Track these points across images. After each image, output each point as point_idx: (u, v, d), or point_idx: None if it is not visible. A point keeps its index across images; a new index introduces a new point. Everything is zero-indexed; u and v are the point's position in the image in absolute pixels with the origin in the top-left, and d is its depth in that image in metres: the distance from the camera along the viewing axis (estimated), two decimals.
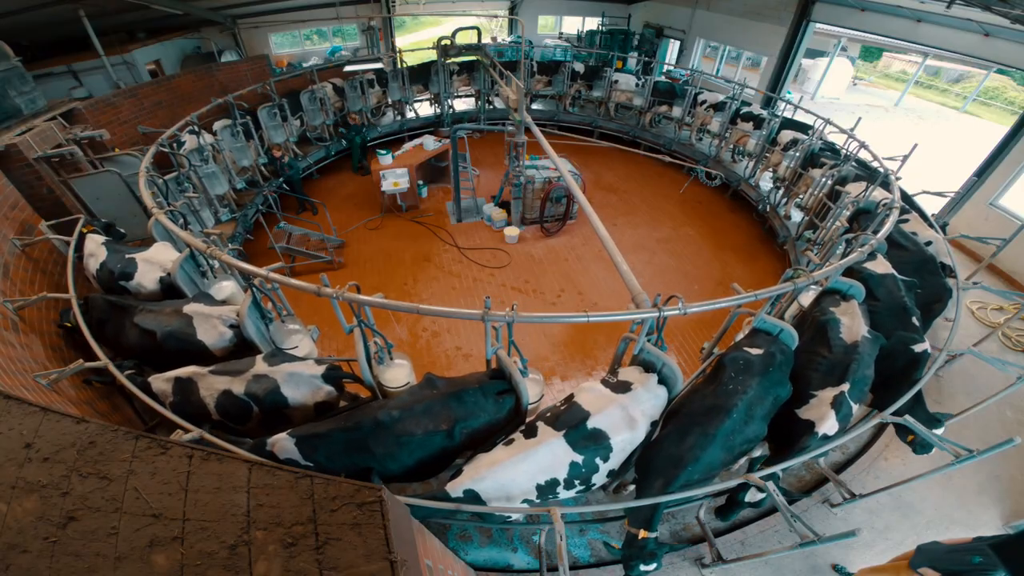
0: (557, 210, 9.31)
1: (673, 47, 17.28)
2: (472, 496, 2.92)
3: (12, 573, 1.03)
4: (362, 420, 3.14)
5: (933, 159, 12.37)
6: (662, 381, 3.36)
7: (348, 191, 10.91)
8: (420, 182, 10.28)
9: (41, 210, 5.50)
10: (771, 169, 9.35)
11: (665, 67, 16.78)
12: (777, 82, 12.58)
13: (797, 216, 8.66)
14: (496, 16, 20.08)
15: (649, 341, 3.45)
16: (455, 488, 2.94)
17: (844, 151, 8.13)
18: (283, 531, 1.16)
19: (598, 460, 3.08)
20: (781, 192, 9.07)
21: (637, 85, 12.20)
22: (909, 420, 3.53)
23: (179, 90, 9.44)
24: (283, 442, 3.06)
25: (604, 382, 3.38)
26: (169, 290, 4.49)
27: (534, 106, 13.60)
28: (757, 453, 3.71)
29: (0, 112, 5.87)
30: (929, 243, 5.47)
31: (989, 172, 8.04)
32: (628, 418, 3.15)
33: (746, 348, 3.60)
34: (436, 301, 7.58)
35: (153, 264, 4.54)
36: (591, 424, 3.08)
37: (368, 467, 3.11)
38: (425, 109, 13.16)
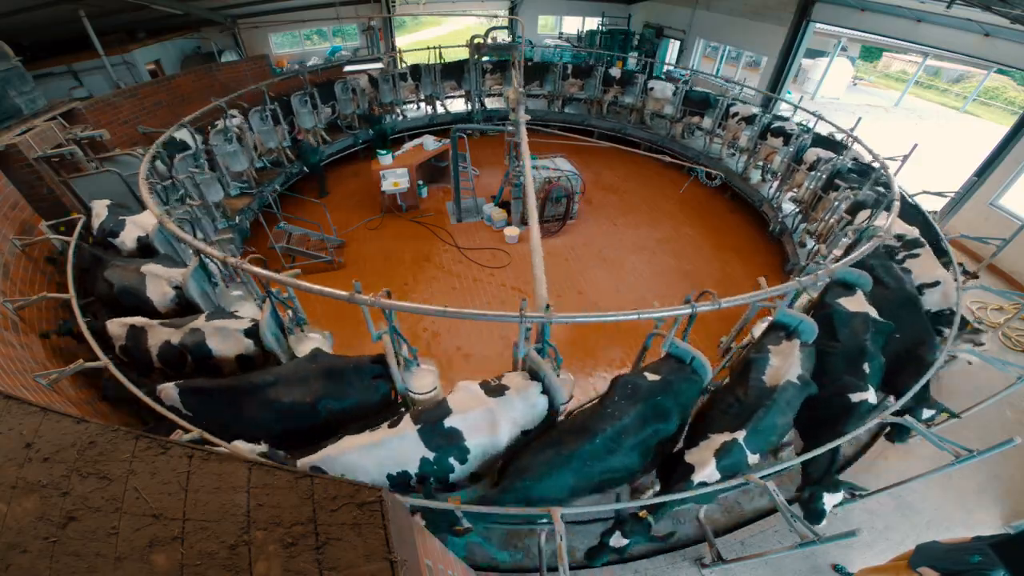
0: (557, 210, 9.32)
1: (673, 47, 17.28)
2: (318, 471, 2.91)
3: (12, 573, 1.03)
4: (242, 380, 3.27)
5: (933, 159, 12.37)
6: (546, 391, 3.22)
7: (348, 191, 10.91)
8: (420, 182, 10.28)
9: (41, 210, 5.51)
10: (794, 190, 8.50)
11: (665, 67, 16.78)
12: (777, 82, 12.59)
13: (812, 244, 7.79)
14: (496, 16, 20.06)
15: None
16: (305, 463, 2.95)
17: (873, 175, 6.76)
18: (283, 531, 1.16)
19: (452, 460, 3.03)
20: (800, 216, 8.22)
21: (674, 93, 11.49)
22: (909, 420, 3.54)
23: (179, 90, 9.44)
24: (169, 390, 3.29)
25: (483, 383, 3.30)
26: (146, 250, 5.00)
27: (566, 110, 13.39)
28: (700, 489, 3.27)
29: (0, 112, 5.87)
30: (937, 283, 4.79)
31: (989, 172, 8.05)
32: (491, 422, 3.06)
33: (646, 372, 3.44)
34: (436, 301, 7.58)
35: (138, 225, 5.04)
36: (448, 423, 3.02)
37: (239, 427, 3.13)
38: (447, 105, 13.19)
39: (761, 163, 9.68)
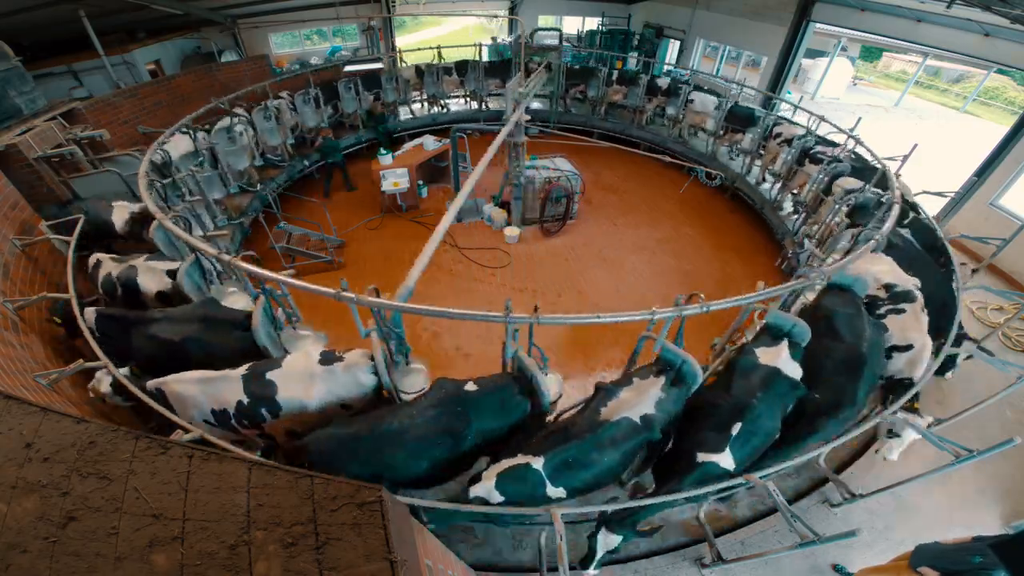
0: (557, 210, 9.32)
1: (673, 47, 17.29)
2: (160, 395, 3.35)
3: (12, 573, 1.03)
4: (139, 313, 3.98)
5: (933, 159, 12.37)
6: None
7: (348, 191, 10.91)
8: (420, 182, 10.28)
9: (41, 210, 5.51)
10: (817, 224, 7.39)
11: (665, 67, 16.79)
12: (777, 82, 12.59)
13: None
14: (496, 16, 20.07)
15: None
16: (151, 384, 3.38)
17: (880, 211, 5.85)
18: (283, 531, 1.16)
19: (264, 410, 3.24)
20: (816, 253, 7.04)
21: (717, 108, 10.49)
22: (909, 419, 3.54)
23: (179, 90, 9.44)
24: (89, 313, 4.00)
25: (325, 352, 3.46)
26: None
27: (609, 120, 13.04)
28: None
29: (0, 112, 5.87)
30: (909, 347, 4.08)
31: (989, 172, 8.05)
32: (308, 385, 3.24)
33: (473, 380, 3.32)
34: (437, 301, 7.56)
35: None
36: (270, 375, 3.26)
37: (129, 354, 3.82)
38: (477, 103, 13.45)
39: (795, 192, 8.52)
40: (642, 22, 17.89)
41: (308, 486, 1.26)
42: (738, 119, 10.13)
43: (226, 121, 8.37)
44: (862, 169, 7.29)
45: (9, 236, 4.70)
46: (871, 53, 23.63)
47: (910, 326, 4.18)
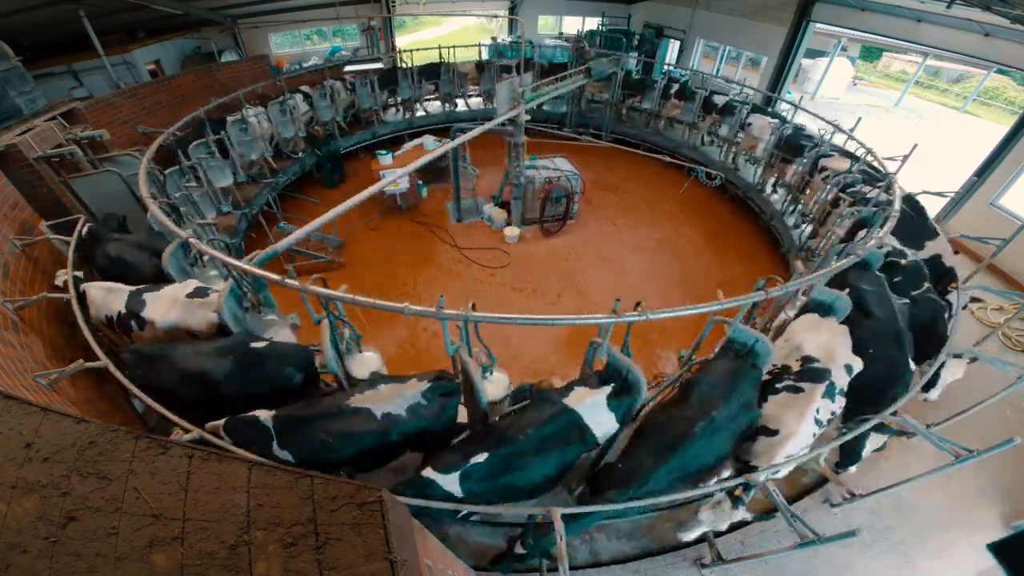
0: (557, 210, 9.32)
1: (673, 47, 17.29)
2: (82, 296, 4.15)
3: (12, 573, 1.03)
4: (106, 236, 4.89)
5: (933, 159, 12.37)
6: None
7: (348, 191, 10.90)
8: (420, 182, 10.28)
9: (41, 210, 5.51)
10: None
11: (665, 67, 16.78)
12: (777, 82, 12.60)
13: None
14: (496, 16, 20.08)
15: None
16: (82, 287, 4.17)
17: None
18: (283, 531, 1.16)
19: (132, 322, 3.95)
20: None
21: (771, 133, 9.11)
22: (909, 419, 3.54)
23: (179, 90, 9.44)
24: (80, 225, 4.90)
25: (199, 287, 4.07)
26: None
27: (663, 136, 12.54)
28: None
29: (0, 112, 5.87)
30: (776, 432, 3.47)
31: (989, 172, 8.05)
32: (168, 309, 3.88)
33: (275, 341, 3.88)
34: (436, 302, 7.56)
35: None
36: (145, 295, 4.00)
37: (92, 263, 4.75)
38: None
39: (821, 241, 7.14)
40: (642, 22, 17.90)
41: (308, 486, 1.26)
42: (791, 148, 8.58)
43: (281, 96, 9.76)
44: (903, 219, 5.48)
45: (9, 236, 4.70)
46: (871, 53, 23.64)
47: (793, 409, 3.48)
